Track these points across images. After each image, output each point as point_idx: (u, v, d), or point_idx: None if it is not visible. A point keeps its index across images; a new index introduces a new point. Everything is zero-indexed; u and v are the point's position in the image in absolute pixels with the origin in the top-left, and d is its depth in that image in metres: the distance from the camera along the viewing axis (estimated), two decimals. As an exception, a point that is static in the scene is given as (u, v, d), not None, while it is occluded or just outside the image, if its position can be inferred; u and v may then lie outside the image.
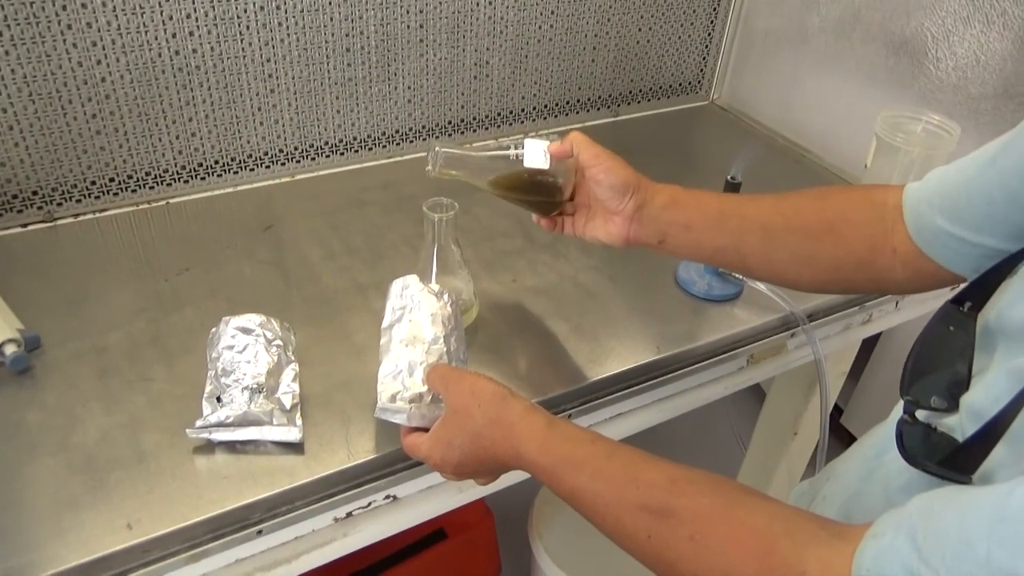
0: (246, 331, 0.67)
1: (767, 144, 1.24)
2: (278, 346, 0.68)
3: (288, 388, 0.67)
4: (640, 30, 1.22)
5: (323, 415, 0.68)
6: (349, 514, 0.66)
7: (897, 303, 0.98)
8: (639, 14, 1.20)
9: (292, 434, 0.64)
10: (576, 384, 0.74)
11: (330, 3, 0.95)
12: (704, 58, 1.32)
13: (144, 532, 0.57)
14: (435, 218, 0.73)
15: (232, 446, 0.64)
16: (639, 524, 0.48)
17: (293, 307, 0.81)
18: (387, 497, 0.68)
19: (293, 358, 0.69)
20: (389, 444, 0.66)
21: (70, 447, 0.63)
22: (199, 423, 0.63)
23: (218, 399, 0.64)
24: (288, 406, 0.65)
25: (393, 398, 0.62)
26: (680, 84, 1.33)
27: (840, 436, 1.97)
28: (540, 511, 1.32)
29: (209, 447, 0.64)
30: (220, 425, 0.63)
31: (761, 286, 0.87)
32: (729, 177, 0.83)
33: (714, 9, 1.27)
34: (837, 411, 1.93)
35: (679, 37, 1.27)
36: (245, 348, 0.66)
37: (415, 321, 0.66)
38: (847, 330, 0.96)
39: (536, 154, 0.66)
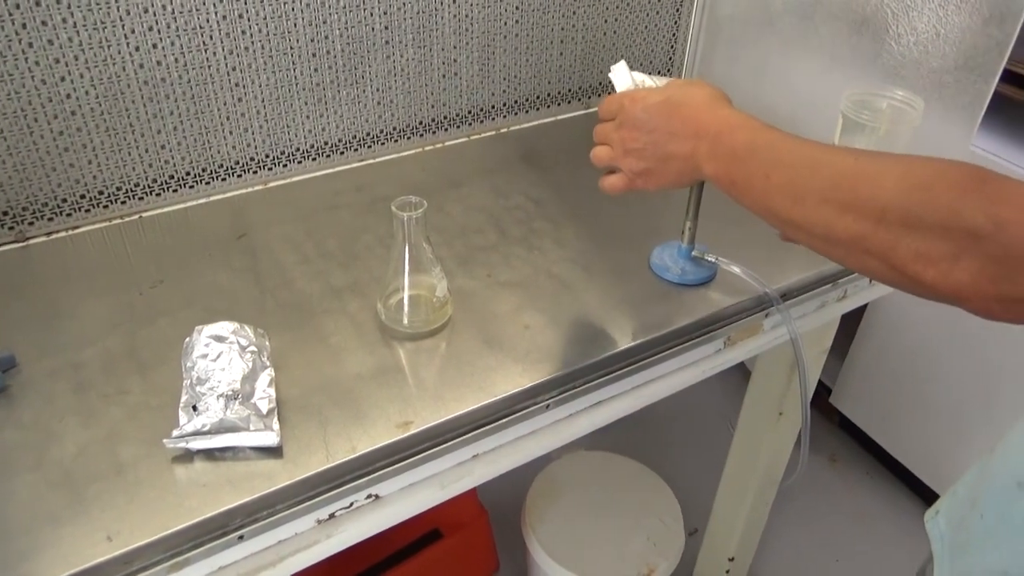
0: (219, 339, 0.68)
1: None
2: (252, 352, 0.68)
3: (264, 393, 0.67)
4: (607, 21, 1.23)
5: (301, 418, 0.68)
6: (331, 515, 0.67)
7: (871, 279, 0.99)
8: (605, 4, 1.21)
9: (269, 438, 0.64)
10: (553, 374, 0.75)
11: (294, 10, 0.96)
12: (673, 46, 1.33)
13: (124, 543, 0.57)
14: (404, 217, 0.73)
15: (210, 454, 0.64)
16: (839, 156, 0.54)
17: (268, 313, 0.81)
18: (369, 496, 0.68)
19: (268, 363, 0.70)
20: (368, 443, 0.66)
21: (48, 463, 0.64)
22: (176, 432, 0.63)
23: (194, 408, 0.64)
24: (265, 411, 0.66)
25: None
26: (649, 72, 1.34)
27: (830, 416, 1.99)
28: (533, 505, 1.33)
29: (187, 456, 0.64)
30: (197, 434, 0.63)
31: (735, 268, 0.87)
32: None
33: (679, -3, 1.28)
34: (826, 390, 1.94)
35: (646, 26, 1.28)
36: (219, 356, 0.67)
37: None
38: (823, 307, 0.97)
39: None
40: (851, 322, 1.80)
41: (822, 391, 1.96)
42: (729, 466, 1.36)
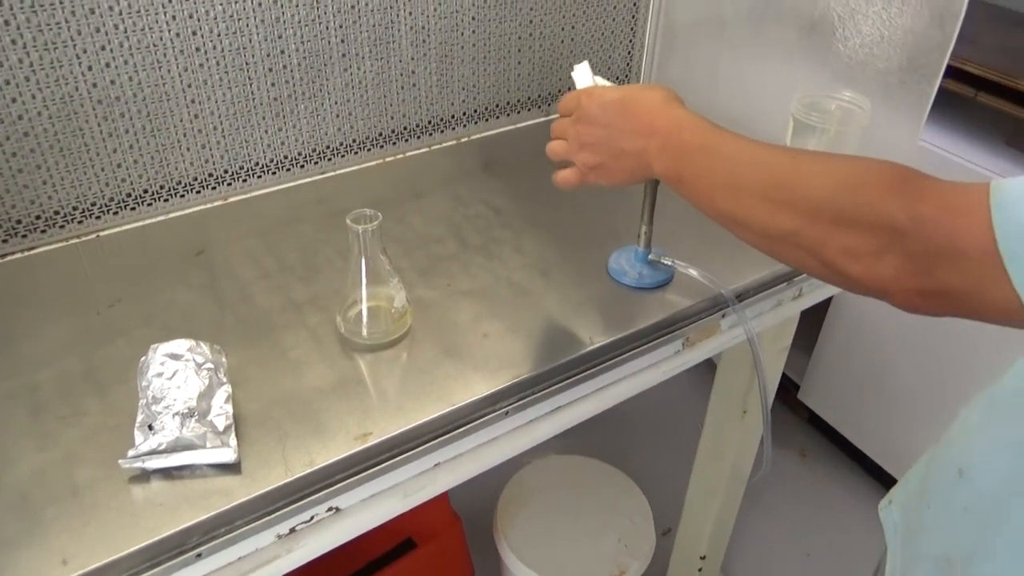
0: (175, 357, 0.68)
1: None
2: (209, 369, 0.68)
3: (221, 410, 0.67)
4: (563, 29, 1.24)
5: (259, 433, 0.69)
6: (292, 530, 0.67)
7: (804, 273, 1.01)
8: (562, 13, 1.22)
9: (226, 455, 0.64)
10: (511, 381, 0.76)
11: (249, 26, 0.96)
12: (630, 52, 1.35)
13: (80, 566, 0.57)
14: (359, 230, 0.74)
15: (167, 473, 0.64)
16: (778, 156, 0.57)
17: (227, 329, 0.81)
18: (330, 509, 0.69)
19: (225, 380, 0.70)
20: (327, 456, 0.67)
21: (3, 486, 0.63)
22: (131, 453, 0.63)
23: (150, 427, 0.64)
24: (221, 427, 0.66)
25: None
26: (609, 78, 1.35)
27: (799, 411, 2.02)
28: (504, 510, 1.33)
29: (144, 476, 0.64)
30: (153, 453, 0.63)
31: (692, 271, 0.89)
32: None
33: (635, 4, 1.30)
34: (794, 386, 1.97)
35: (603, 33, 1.29)
36: (175, 374, 0.67)
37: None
38: (779, 306, 0.98)
39: None
40: (816, 318, 1.83)
41: (790, 387, 1.99)
42: (697, 464, 1.38)
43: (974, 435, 0.67)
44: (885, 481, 1.84)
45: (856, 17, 1.01)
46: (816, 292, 1.02)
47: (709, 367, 1.29)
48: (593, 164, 0.72)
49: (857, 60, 1.02)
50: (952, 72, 1.45)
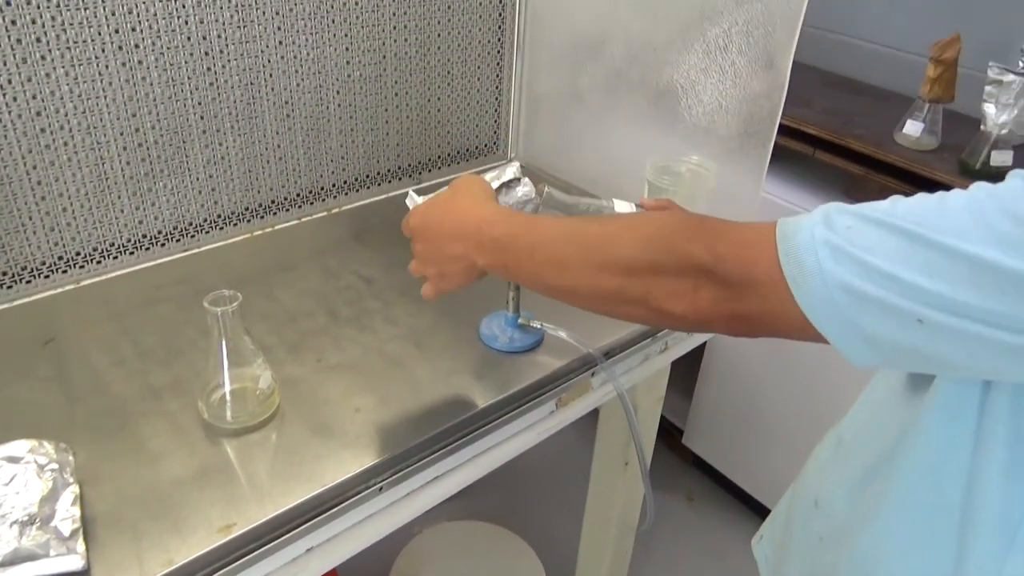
0: (13, 460, 0.63)
1: (563, 195, 1.32)
2: (52, 470, 0.64)
3: (67, 513, 0.63)
4: (430, 100, 1.28)
5: (112, 535, 0.65)
6: (150, 636, 0.63)
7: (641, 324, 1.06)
8: (427, 86, 1.26)
9: (73, 562, 0.60)
10: (384, 456, 0.75)
11: (100, 104, 0.93)
12: (496, 121, 1.40)
13: None
14: (218, 312, 0.72)
15: (4, 588, 0.59)
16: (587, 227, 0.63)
17: (77, 424, 0.76)
18: (192, 609, 0.65)
19: (72, 480, 0.65)
20: (187, 553, 0.63)
21: None
22: (-39, 570, 0.58)
23: (-17, 540, 0.59)
24: (67, 533, 0.61)
25: None
26: (478, 146, 1.40)
27: (684, 456, 2.08)
28: (396, 586, 1.30)
29: (-23, 594, 0.59)
30: (-13, 568, 0.58)
31: (561, 333, 0.91)
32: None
33: (498, 76, 1.35)
34: (678, 431, 2.04)
35: (469, 104, 1.34)
36: (13, 479, 0.62)
37: None
38: (647, 360, 1.03)
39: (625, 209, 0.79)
40: (693, 364, 1.91)
41: (675, 432, 2.06)
42: (587, 518, 1.39)
43: (825, 469, 0.72)
44: (767, 517, 1.91)
45: (696, 88, 1.09)
46: (681, 344, 1.07)
47: (595, 419, 1.32)
48: (435, 274, 0.76)
49: (701, 127, 1.10)
50: (792, 132, 1.58)
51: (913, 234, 0.45)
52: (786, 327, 0.51)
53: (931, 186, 1.40)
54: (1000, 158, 1.35)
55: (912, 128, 1.47)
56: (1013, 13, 1.56)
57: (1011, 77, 1.32)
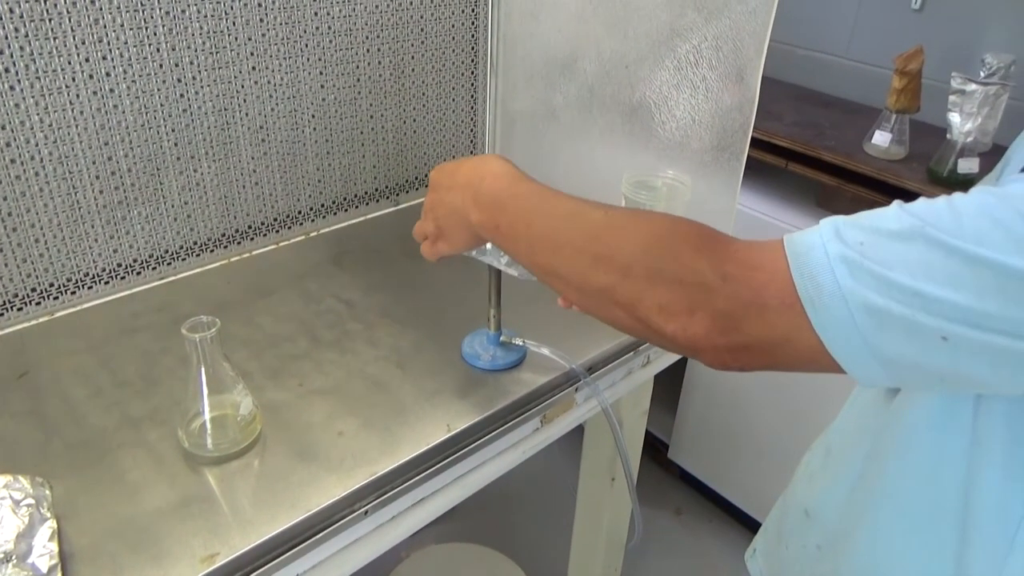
0: (-12, 496, 0.62)
1: (541, 213, 1.33)
2: (29, 505, 0.63)
3: (44, 549, 0.61)
4: (405, 122, 1.28)
5: (91, 570, 0.63)
6: (133, 673, 0.61)
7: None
8: (402, 107, 1.26)
9: (51, 600, 0.59)
10: (368, 479, 0.74)
11: (71, 134, 0.92)
12: (473, 140, 1.40)
13: None
14: (196, 339, 0.71)
15: (-20, 629, 0.58)
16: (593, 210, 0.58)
17: (54, 457, 0.75)
18: (176, 643, 0.63)
19: (49, 515, 0.64)
20: (169, 586, 0.62)
21: None
22: (-66, 612, 0.56)
23: (-43, 580, 0.58)
24: (45, 569, 0.60)
25: None
26: (455, 167, 1.40)
27: (670, 470, 2.08)
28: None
29: (-49, 637, 0.57)
30: (-39, 609, 0.57)
31: (544, 350, 0.91)
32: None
33: (472, 96, 1.36)
34: (664, 446, 2.04)
35: (445, 124, 1.34)
36: (-13, 515, 0.60)
37: None
38: (630, 374, 1.03)
39: None
40: (676, 378, 1.91)
41: (660, 447, 2.06)
42: (575, 534, 1.39)
43: (816, 477, 0.72)
44: (756, 530, 1.92)
45: (669, 103, 1.11)
46: (663, 358, 1.07)
47: (581, 436, 1.31)
48: (434, 231, 0.72)
49: (675, 142, 1.12)
50: (765, 145, 1.61)
51: (932, 243, 0.42)
52: (797, 359, 0.48)
53: (902, 194, 1.42)
54: (967, 165, 1.38)
55: (880, 138, 1.50)
56: (973, 25, 1.60)
57: (973, 87, 1.35)
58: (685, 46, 1.06)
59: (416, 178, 1.35)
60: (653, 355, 1.05)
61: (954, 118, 1.38)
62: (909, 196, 1.52)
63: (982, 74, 1.40)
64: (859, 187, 1.47)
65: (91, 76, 0.92)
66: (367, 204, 1.29)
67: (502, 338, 0.92)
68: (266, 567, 0.68)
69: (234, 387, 0.76)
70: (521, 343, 0.92)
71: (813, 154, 1.54)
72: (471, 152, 1.41)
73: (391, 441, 0.79)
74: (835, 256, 0.44)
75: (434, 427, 0.81)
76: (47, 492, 0.66)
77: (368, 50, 1.18)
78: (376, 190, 1.29)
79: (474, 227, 0.66)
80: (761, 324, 0.47)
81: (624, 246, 0.54)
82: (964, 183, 1.38)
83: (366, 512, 0.74)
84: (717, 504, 2.01)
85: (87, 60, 0.91)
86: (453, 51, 1.29)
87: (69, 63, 0.90)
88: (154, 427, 0.80)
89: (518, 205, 0.62)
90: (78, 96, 0.92)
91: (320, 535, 0.71)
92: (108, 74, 0.93)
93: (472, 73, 1.34)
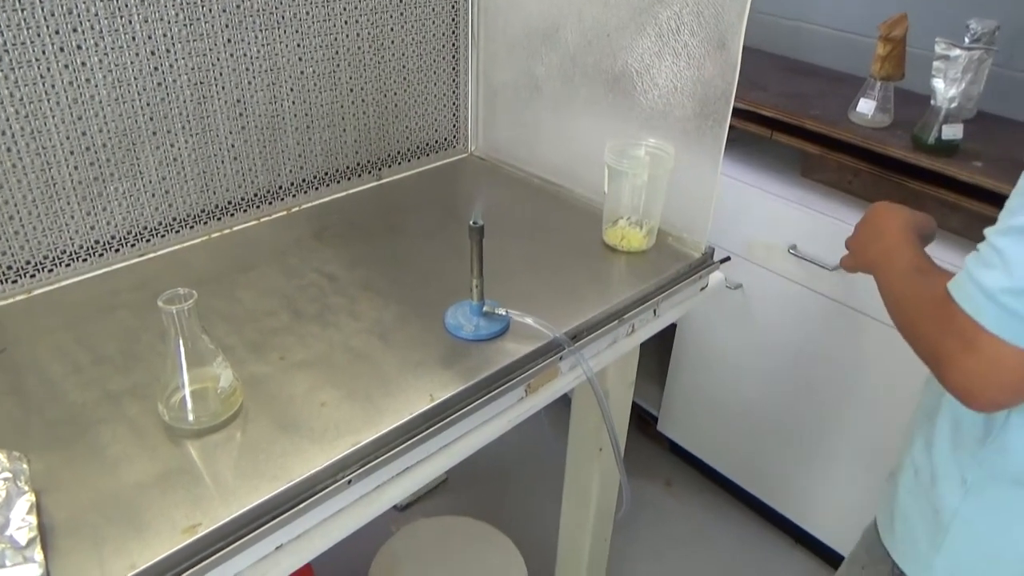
0: (-36, 471, 0.61)
1: (525, 185, 1.32)
2: (5, 479, 0.62)
3: (23, 522, 0.61)
4: (386, 95, 1.27)
5: (72, 542, 0.63)
6: (116, 643, 0.61)
7: (655, 311, 1.07)
8: (382, 80, 1.25)
9: (31, 572, 0.58)
10: (351, 448, 0.74)
11: (43, 108, 0.91)
12: (455, 113, 1.39)
13: None
14: (173, 311, 0.71)
15: (-42, 602, 0.57)
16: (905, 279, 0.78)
17: (33, 434, 0.74)
18: (158, 613, 0.63)
19: (27, 488, 0.64)
20: (150, 556, 0.62)
21: None
22: (-89, 586, 0.56)
23: (-66, 554, 0.57)
24: (24, 542, 0.60)
25: None
26: (438, 141, 1.39)
27: (659, 443, 2.09)
28: (375, 586, 1.28)
29: (-70, 610, 0.57)
30: (-61, 582, 0.56)
31: (527, 319, 0.91)
32: (471, 222, 0.86)
33: (454, 68, 1.35)
34: (652, 418, 2.05)
35: (427, 97, 1.33)
36: (-36, 490, 0.60)
37: None
38: (615, 343, 1.03)
39: None
40: (664, 352, 1.92)
41: (650, 420, 2.07)
42: (564, 506, 1.39)
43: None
44: (748, 501, 1.93)
45: (651, 72, 1.10)
46: (648, 326, 1.07)
47: (569, 408, 1.32)
48: (852, 249, 0.94)
49: (657, 110, 1.11)
50: (751, 116, 1.60)
51: None
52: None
53: (887, 162, 1.42)
54: (951, 132, 1.38)
55: (865, 107, 1.50)
56: (957, -10, 1.59)
57: (957, 52, 1.34)
58: (666, 12, 1.05)
59: (399, 152, 1.33)
60: (638, 323, 1.05)
61: (938, 84, 1.37)
62: (894, 163, 1.52)
63: (967, 40, 1.40)
64: (843, 155, 1.47)
65: (62, 49, 0.90)
66: (349, 179, 1.28)
67: (485, 308, 0.91)
68: (248, 537, 0.67)
69: (213, 360, 0.75)
70: (504, 313, 0.91)
71: (798, 123, 1.53)
72: (453, 127, 1.40)
73: (374, 411, 0.79)
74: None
75: (417, 397, 0.81)
76: (24, 466, 0.66)
77: (347, 22, 1.16)
78: (358, 164, 1.28)
79: (868, 262, 0.88)
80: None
81: (898, 319, 0.75)
82: (948, 149, 1.38)
83: (349, 481, 0.74)
84: (707, 475, 2.03)
85: (57, 33, 0.89)
86: (433, 23, 1.28)
87: (39, 36, 0.88)
88: (134, 402, 0.79)
89: (886, 263, 0.81)
90: (48, 70, 0.90)
91: (303, 504, 0.71)
92: (79, 47, 0.91)
93: (453, 45, 1.33)
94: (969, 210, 1.34)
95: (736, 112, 1.03)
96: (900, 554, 0.85)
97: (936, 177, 1.36)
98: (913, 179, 1.40)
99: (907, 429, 0.89)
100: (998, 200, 1.30)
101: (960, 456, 0.77)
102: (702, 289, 1.14)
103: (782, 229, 1.55)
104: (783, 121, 1.56)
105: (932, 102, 1.39)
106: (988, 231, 0.65)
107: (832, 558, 1.78)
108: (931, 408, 0.82)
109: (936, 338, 0.66)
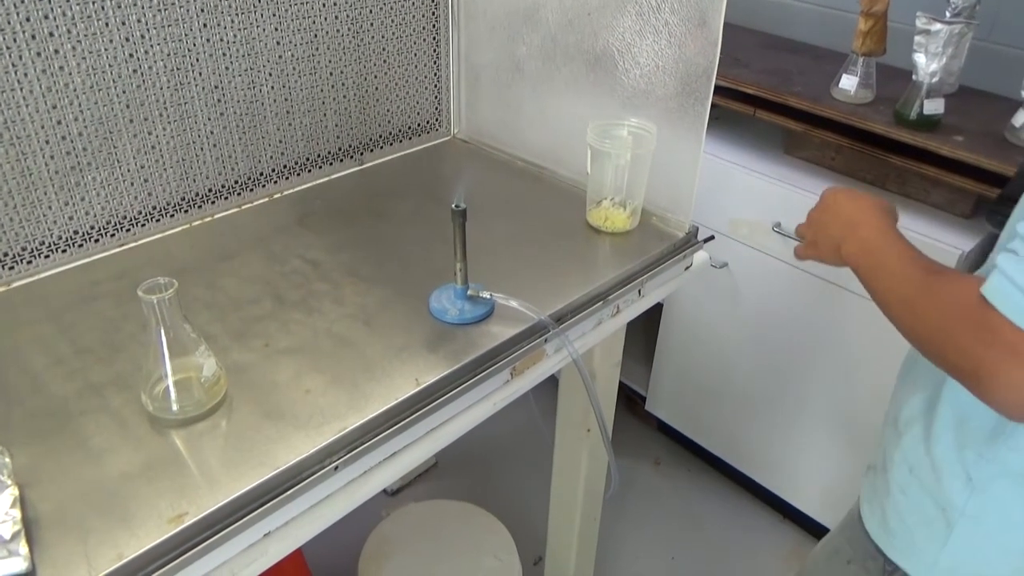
0: (-55, 466, 0.61)
1: (508, 167, 1.31)
2: (-12, 473, 0.62)
3: (6, 516, 0.61)
4: (367, 79, 1.25)
5: (57, 534, 0.63)
6: (105, 634, 0.61)
7: (640, 291, 1.07)
8: (362, 64, 1.23)
9: (15, 565, 0.58)
10: (337, 434, 0.74)
11: (15, 98, 0.89)
12: (437, 96, 1.38)
13: None
14: (153, 300, 0.70)
15: (-57, 597, 0.57)
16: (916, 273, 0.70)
17: (15, 427, 0.74)
18: (146, 603, 0.63)
19: (10, 482, 0.63)
20: (137, 546, 0.62)
21: None
22: None
23: (-83, 549, 0.57)
24: (8, 535, 0.59)
25: None
26: (420, 124, 1.38)
27: (648, 422, 2.11)
28: (366, 568, 1.29)
29: (-85, 606, 0.57)
30: (-77, 578, 0.56)
31: (512, 302, 0.91)
32: (453, 206, 0.86)
33: (435, 50, 1.33)
34: (640, 398, 2.06)
35: (408, 80, 1.32)
36: (-55, 485, 0.60)
37: None
38: (600, 325, 1.03)
39: None
40: (651, 332, 1.93)
41: (638, 400, 2.08)
42: (554, 487, 1.40)
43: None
44: (736, 478, 1.95)
45: (633, 50, 1.09)
46: (633, 306, 1.07)
47: (556, 387, 1.32)
48: (811, 239, 0.87)
49: (639, 89, 1.10)
50: (733, 93, 1.60)
51: None
52: None
53: (869, 137, 1.42)
54: (932, 107, 1.38)
55: (847, 83, 1.50)
56: (938, -36, 1.59)
57: (938, 26, 1.35)
58: (647, -10, 1.04)
59: (381, 136, 1.32)
60: (623, 304, 1.05)
61: (919, 59, 1.37)
62: (878, 139, 1.53)
63: (947, 14, 1.40)
64: (826, 132, 1.47)
65: (33, 37, 0.89)
66: (331, 164, 1.27)
67: (469, 292, 0.91)
68: (236, 525, 0.67)
69: (196, 349, 0.75)
70: (489, 296, 0.91)
71: (780, 100, 1.53)
72: (435, 110, 1.39)
73: (359, 397, 0.79)
74: None
75: (403, 381, 0.81)
76: (7, 460, 0.65)
77: (325, 4, 1.14)
78: (340, 149, 1.27)
79: (842, 256, 0.81)
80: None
81: (915, 323, 0.68)
82: (930, 124, 1.38)
83: (336, 468, 0.74)
84: (695, 454, 2.04)
85: (28, 20, 0.87)
86: (413, 3, 1.26)
87: (8, 22, 0.86)
88: (118, 393, 0.78)
89: (874, 260, 0.75)
90: (20, 58, 0.88)
91: (290, 491, 0.71)
92: (51, 34, 0.90)
93: (434, 26, 1.31)
94: (951, 184, 1.35)
95: (718, 90, 1.02)
96: (898, 552, 0.83)
97: (918, 152, 1.37)
98: (895, 154, 1.40)
99: (887, 418, 0.86)
100: (979, 174, 1.32)
101: (965, 454, 0.74)
102: (687, 268, 1.14)
103: (766, 207, 1.56)
104: (765, 98, 1.56)
105: (914, 77, 1.40)
106: (1021, 226, 0.59)
107: (819, 531, 1.80)
108: (925, 402, 0.78)
109: (974, 349, 0.60)
